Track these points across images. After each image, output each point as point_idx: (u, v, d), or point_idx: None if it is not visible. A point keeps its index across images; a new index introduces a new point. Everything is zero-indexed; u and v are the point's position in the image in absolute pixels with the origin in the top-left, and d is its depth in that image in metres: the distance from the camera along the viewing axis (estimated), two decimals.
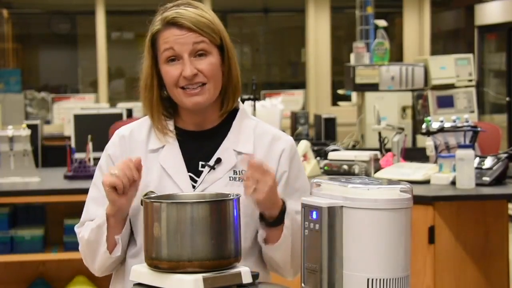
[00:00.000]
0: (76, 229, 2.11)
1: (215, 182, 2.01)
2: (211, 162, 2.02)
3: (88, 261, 2.08)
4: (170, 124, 2.08)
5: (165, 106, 2.08)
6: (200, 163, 2.03)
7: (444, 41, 10.64)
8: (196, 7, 2.02)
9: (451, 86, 5.59)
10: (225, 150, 2.04)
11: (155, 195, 1.85)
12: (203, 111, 2.04)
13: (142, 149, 2.05)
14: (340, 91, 6.34)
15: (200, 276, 1.66)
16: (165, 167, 2.02)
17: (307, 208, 1.71)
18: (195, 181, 2.01)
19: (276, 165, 2.05)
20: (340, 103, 7.25)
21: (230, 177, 2.02)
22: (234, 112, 2.11)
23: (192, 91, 1.99)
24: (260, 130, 2.10)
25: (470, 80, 5.66)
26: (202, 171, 2.03)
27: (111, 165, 2.05)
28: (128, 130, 2.11)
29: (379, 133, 4.65)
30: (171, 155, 2.03)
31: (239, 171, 2.02)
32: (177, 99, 2.02)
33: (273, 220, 1.94)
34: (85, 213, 2.10)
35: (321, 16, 9.50)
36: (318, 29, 9.49)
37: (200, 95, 1.99)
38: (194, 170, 2.03)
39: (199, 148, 2.05)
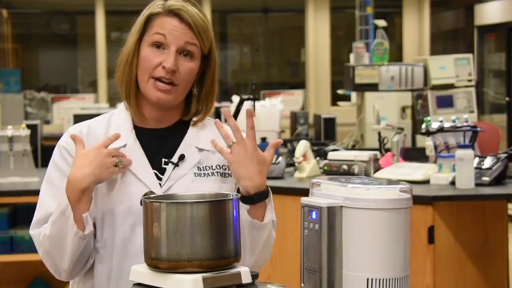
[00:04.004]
0: (32, 232, 2.01)
1: (181, 178, 2.01)
2: (174, 159, 2.02)
3: (56, 261, 1.97)
4: (129, 122, 2.06)
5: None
6: (163, 160, 2.03)
7: (444, 41, 10.64)
8: (200, 10, 2.02)
9: (450, 86, 5.59)
10: (188, 147, 2.04)
11: (155, 195, 1.85)
12: (165, 109, 2.03)
13: None
14: (340, 91, 6.34)
15: (199, 276, 1.66)
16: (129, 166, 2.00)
17: (306, 208, 1.71)
18: (160, 179, 2.01)
19: None
20: (339, 103, 7.25)
21: (195, 173, 2.02)
22: None
23: (162, 86, 1.97)
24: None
25: (470, 80, 5.66)
26: (165, 168, 2.02)
27: (70, 160, 2.00)
28: (85, 127, 2.09)
29: (379, 133, 4.66)
30: (134, 153, 2.01)
31: (203, 167, 2.03)
32: (144, 86, 2.00)
33: (255, 195, 1.96)
34: (41, 209, 2.03)
35: (321, 16, 9.50)
36: (318, 29, 9.49)
37: (168, 93, 1.98)
38: (157, 167, 2.02)
39: (160, 145, 2.04)
